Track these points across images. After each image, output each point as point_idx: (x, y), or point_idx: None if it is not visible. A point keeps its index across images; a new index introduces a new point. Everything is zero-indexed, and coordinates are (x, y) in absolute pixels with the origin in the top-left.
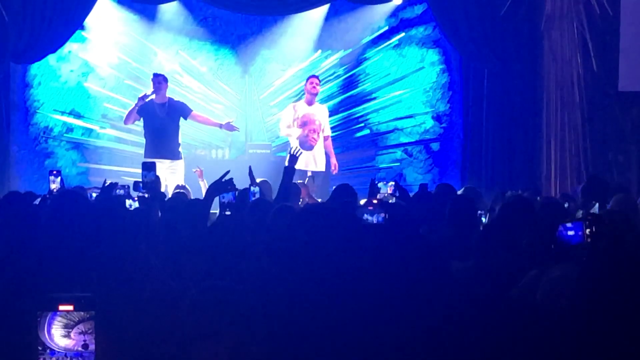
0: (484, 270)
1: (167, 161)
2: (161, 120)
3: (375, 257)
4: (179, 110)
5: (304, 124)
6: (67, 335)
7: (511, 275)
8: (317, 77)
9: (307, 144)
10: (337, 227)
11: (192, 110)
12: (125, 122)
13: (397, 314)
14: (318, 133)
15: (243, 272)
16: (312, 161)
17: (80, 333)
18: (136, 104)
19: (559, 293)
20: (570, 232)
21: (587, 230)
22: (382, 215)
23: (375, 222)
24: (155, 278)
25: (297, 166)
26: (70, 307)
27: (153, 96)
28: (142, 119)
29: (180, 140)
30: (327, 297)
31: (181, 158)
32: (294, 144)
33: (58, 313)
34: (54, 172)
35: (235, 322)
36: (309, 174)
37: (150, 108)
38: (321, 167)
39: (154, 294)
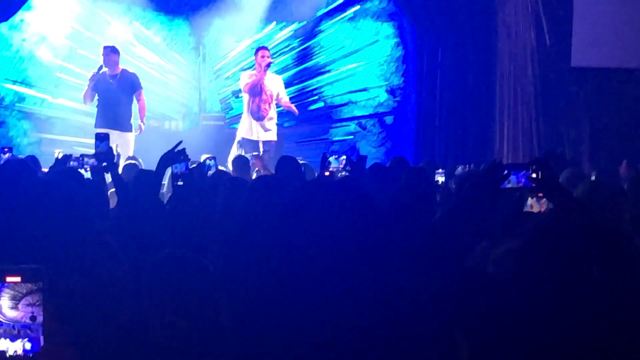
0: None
1: (117, 132)
2: (112, 91)
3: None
4: (129, 83)
5: (254, 94)
6: (15, 307)
7: (463, 248)
8: (266, 47)
9: (257, 114)
10: (285, 196)
11: (140, 89)
12: (85, 101)
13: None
14: (269, 103)
15: (198, 243)
16: (263, 131)
17: (28, 305)
18: (89, 84)
19: (506, 268)
20: (517, 177)
21: (533, 175)
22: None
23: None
24: (106, 249)
25: (248, 136)
26: (18, 279)
27: (105, 69)
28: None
29: (132, 112)
30: (278, 265)
31: (131, 130)
32: (245, 110)
33: (5, 285)
34: (5, 149)
35: (191, 292)
36: (261, 144)
37: (103, 79)
38: (272, 137)
39: (104, 265)
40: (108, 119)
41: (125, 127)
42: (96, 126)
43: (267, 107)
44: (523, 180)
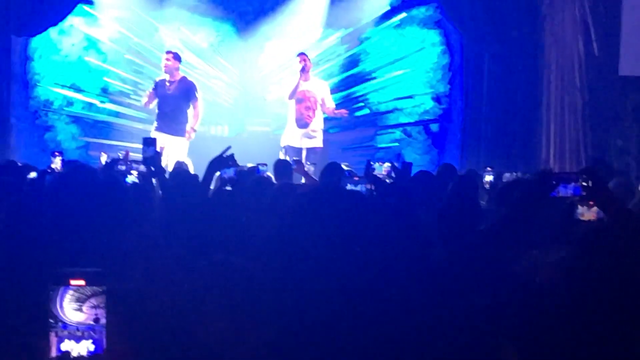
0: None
1: (170, 137)
2: (169, 97)
3: (364, 233)
4: (186, 91)
5: (298, 101)
6: (79, 309)
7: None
8: (303, 53)
9: (302, 121)
10: (329, 205)
11: (196, 100)
12: (144, 104)
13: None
14: (313, 110)
15: (245, 248)
16: (307, 138)
17: (92, 307)
18: (151, 88)
19: (556, 276)
20: (567, 188)
21: (583, 184)
22: (368, 186)
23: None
24: (158, 255)
25: (292, 143)
26: (82, 282)
27: (166, 76)
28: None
29: (187, 119)
30: (325, 272)
31: (184, 136)
32: (291, 118)
33: (70, 287)
34: (56, 152)
35: (244, 296)
36: (304, 151)
37: (162, 84)
38: (317, 144)
39: (157, 267)
40: (164, 123)
41: (179, 132)
42: (155, 129)
43: (310, 114)
44: (571, 191)
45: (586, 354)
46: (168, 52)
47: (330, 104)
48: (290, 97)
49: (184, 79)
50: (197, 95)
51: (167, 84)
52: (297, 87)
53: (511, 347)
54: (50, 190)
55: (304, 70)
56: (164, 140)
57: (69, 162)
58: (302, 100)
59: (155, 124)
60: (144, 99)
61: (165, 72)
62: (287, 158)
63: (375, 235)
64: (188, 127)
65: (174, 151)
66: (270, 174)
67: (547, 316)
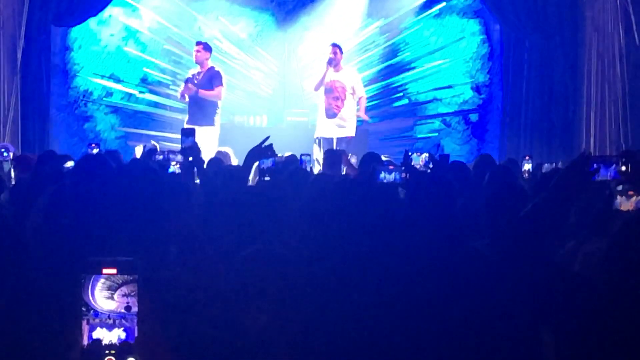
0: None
1: (199, 127)
2: (197, 87)
3: (400, 223)
4: (209, 78)
5: (327, 92)
6: (111, 297)
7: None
8: (335, 44)
9: (330, 111)
10: (364, 195)
11: (219, 85)
12: (180, 98)
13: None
14: (342, 100)
15: (283, 238)
16: (337, 127)
17: (123, 295)
18: (185, 83)
19: (594, 266)
20: (607, 171)
21: (623, 167)
22: (402, 175)
23: (392, 180)
24: (197, 243)
25: (323, 134)
26: (114, 271)
27: (196, 69)
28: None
29: (216, 107)
30: (360, 263)
31: (213, 124)
32: (321, 108)
33: (102, 276)
34: (93, 144)
35: (278, 285)
36: (335, 141)
37: (192, 76)
38: (349, 132)
39: (195, 256)
40: (192, 115)
41: (208, 122)
42: (186, 122)
43: (339, 103)
44: (612, 173)
45: (622, 345)
46: (198, 43)
47: (361, 92)
48: (316, 89)
49: (211, 68)
50: (221, 81)
51: (197, 75)
52: (323, 78)
53: (549, 335)
54: (74, 180)
55: (330, 61)
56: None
57: (107, 152)
58: (331, 91)
59: (186, 116)
60: (180, 92)
61: (196, 62)
62: (321, 149)
63: (410, 225)
64: (193, 89)
65: (203, 141)
66: (316, 163)
67: (585, 306)
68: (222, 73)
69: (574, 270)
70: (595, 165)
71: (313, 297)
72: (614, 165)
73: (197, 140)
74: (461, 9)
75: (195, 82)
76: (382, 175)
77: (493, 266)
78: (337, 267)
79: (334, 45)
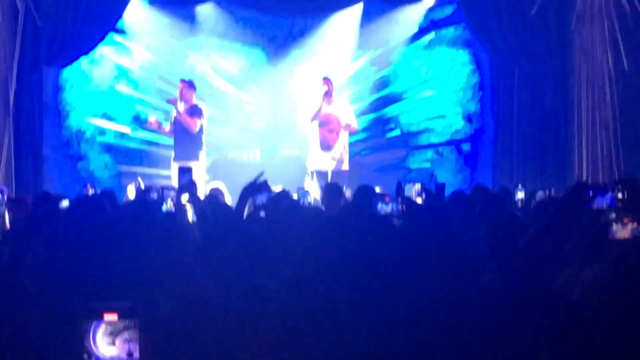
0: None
1: (183, 162)
2: (178, 124)
3: (397, 255)
4: (189, 113)
5: (322, 125)
6: (112, 343)
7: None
8: (326, 78)
9: (325, 144)
10: (361, 228)
11: (196, 117)
12: (168, 132)
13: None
14: (337, 133)
15: (280, 273)
16: (332, 161)
17: (125, 341)
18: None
19: (593, 294)
20: (603, 199)
21: (619, 195)
22: (399, 206)
23: (389, 211)
24: (195, 282)
25: (318, 167)
26: (115, 316)
27: (180, 104)
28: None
29: (201, 143)
30: (358, 295)
31: (198, 159)
32: (314, 142)
33: (103, 321)
34: (88, 185)
35: (275, 322)
36: (329, 174)
37: (177, 113)
38: (343, 166)
39: (195, 298)
40: (177, 151)
41: (193, 157)
42: (173, 159)
43: (334, 136)
44: (608, 201)
45: None
46: (182, 81)
47: (354, 124)
48: (312, 120)
49: (194, 105)
50: (199, 115)
51: (181, 112)
52: (319, 110)
53: None
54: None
55: (327, 94)
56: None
57: (102, 192)
58: (326, 124)
59: (172, 154)
60: (168, 126)
61: (180, 100)
62: (315, 182)
63: (409, 257)
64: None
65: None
66: (314, 198)
67: (584, 333)
68: (203, 109)
69: (573, 298)
70: (591, 194)
71: (311, 334)
72: (610, 193)
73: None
74: (450, 40)
75: (179, 119)
76: (380, 206)
77: (494, 297)
78: (335, 303)
79: (327, 78)
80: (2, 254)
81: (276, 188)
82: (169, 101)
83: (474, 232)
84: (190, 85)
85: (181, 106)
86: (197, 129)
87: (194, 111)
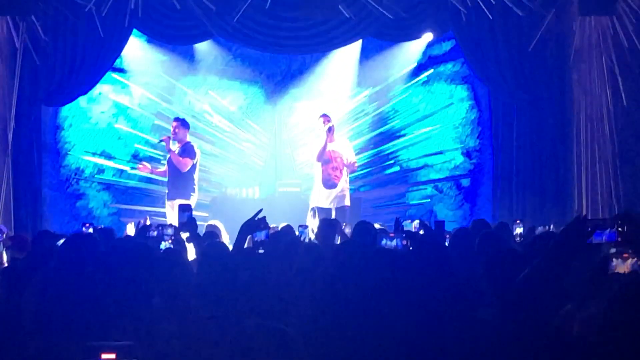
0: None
1: (175, 202)
2: (171, 163)
3: (402, 289)
4: (182, 152)
5: (325, 162)
6: None
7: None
8: (325, 114)
9: (329, 182)
10: (362, 262)
11: (187, 157)
12: (161, 174)
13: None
14: (340, 170)
15: (281, 309)
16: (336, 198)
17: None
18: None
19: (592, 328)
20: (602, 235)
21: (619, 229)
22: (403, 242)
23: (393, 246)
24: (195, 320)
25: (321, 204)
26: (113, 356)
27: (174, 144)
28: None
29: (193, 182)
30: (363, 329)
31: (189, 198)
32: (318, 179)
33: None
34: (87, 224)
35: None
36: (333, 211)
37: (170, 151)
38: (345, 202)
39: (195, 336)
40: (170, 189)
41: (183, 195)
42: (166, 198)
43: (337, 174)
44: (607, 236)
45: None
46: (175, 120)
47: (352, 158)
48: (319, 159)
49: (187, 143)
50: (191, 155)
51: (174, 150)
52: (324, 148)
53: None
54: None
55: (330, 130)
56: (169, 206)
57: (101, 230)
58: (329, 161)
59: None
60: (163, 167)
61: (174, 139)
62: (317, 219)
63: (413, 292)
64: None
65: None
66: (312, 235)
67: None
68: (196, 149)
69: (573, 335)
70: (590, 229)
71: None
72: (609, 229)
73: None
74: (449, 76)
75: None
76: (384, 242)
77: (495, 332)
78: (338, 337)
79: (326, 115)
80: (1, 291)
81: (280, 225)
82: (161, 140)
83: (473, 267)
84: (183, 123)
85: (174, 145)
86: (187, 169)
87: (186, 151)
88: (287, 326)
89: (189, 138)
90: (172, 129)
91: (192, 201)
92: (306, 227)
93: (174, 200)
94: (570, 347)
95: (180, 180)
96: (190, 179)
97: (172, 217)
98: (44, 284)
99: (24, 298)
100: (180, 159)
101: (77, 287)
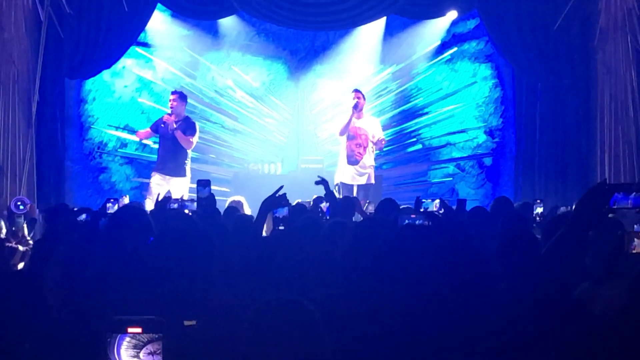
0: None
1: (169, 177)
2: (168, 136)
3: (422, 266)
4: (183, 129)
5: (350, 138)
6: (137, 356)
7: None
8: (356, 90)
9: (352, 158)
10: (385, 238)
11: (191, 135)
12: (137, 135)
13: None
14: (364, 147)
15: (301, 285)
16: (358, 175)
17: (149, 354)
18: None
19: (614, 309)
20: (627, 199)
21: None
22: (425, 222)
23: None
24: (218, 296)
25: (344, 180)
26: (139, 330)
27: (171, 117)
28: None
29: (187, 158)
30: (382, 306)
31: (185, 175)
32: (342, 155)
33: (127, 335)
34: (111, 199)
35: (297, 333)
36: (355, 188)
37: (166, 125)
38: (368, 180)
39: (218, 311)
40: (162, 163)
41: (180, 172)
42: (153, 170)
43: (361, 150)
44: (633, 201)
45: None
46: (173, 93)
47: (380, 136)
48: (342, 134)
49: (186, 118)
50: (194, 132)
51: (172, 124)
52: (348, 123)
53: None
54: (104, 235)
55: (356, 107)
56: (161, 180)
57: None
58: (354, 137)
59: (156, 165)
60: (140, 133)
61: (172, 112)
62: (340, 195)
63: (433, 268)
64: (172, 124)
65: (176, 192)
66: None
67: (609, 350)
68: (197, 125)
69: (596, 314)
70: (615, 194)
71: (334, 345)
72: (634, 193)
73: (162, 191)
74: (472, 54)
75: (169, 131)
76: (406, 222)
77: (514, 308)
78: (357, 312)
79: (357, 90)
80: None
81: (294, 202)
82: (163, 122)
83: (492, 244)
84: (181, 97)
85: (170, 118)
86: (193, 146)
87: (190, 127)
88: (306, 300)
89: (185, 113)
90: (170, 102)
91: (188, 178)
92: (324, 200)
93: (169, 176)
94: (592, 326)
95: (180, 157)
96: (186, 154)
97: (161, 190)
98: (67, 257)
99: (47, 272)
100: (188, 138)
101: (103, 261)
